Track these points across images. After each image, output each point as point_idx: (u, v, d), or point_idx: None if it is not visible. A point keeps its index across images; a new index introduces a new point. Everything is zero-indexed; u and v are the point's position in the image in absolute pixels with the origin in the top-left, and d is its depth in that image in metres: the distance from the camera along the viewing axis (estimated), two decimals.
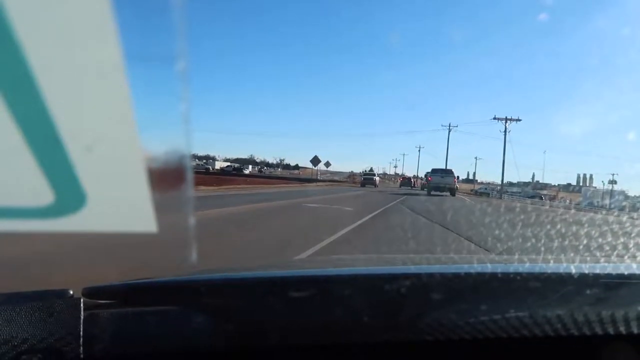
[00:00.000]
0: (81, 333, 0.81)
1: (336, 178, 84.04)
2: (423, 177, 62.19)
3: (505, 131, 45.67)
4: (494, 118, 46.99)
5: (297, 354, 0.98)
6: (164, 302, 0.93)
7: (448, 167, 43.11)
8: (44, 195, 0.53)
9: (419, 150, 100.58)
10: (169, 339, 0.89)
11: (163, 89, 0.50)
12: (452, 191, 31.49)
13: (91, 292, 0.91)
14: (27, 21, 0.43)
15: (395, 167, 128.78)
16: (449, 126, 64.02)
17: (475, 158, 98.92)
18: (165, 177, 0.58)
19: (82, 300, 0.86)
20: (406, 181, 67.08)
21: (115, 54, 0.44)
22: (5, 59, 0.44)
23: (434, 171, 34.40)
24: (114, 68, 0.45)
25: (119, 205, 0.57)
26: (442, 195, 30.43)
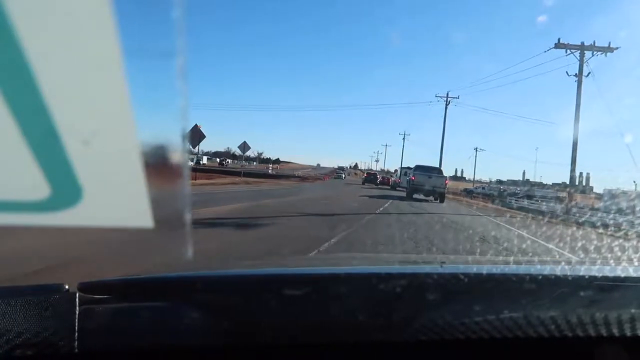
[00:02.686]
0: (76, 327, 0.81)
1: (312, 173, 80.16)
2: (395, 173, 49.75)
3: (580, 74, 21.30)
4: (557, 45, 21.70)
5: (292, 352, 0.98)
6: (160, 298, 0.93)
7: (437, 164, 35.20)
8: (41, 189, 0.53)
9: (404, 139, 77.46)
10: (163, 335, 0.89)
11: (161, 84, 0.50)
12: (441, 196, 23.93)
13: (87, 287, 0.91)
14: (25, 16, 0.43)
15: (377, 161, 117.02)
16: (447, 97, 43.16)
17: (476, 149, 78.33)
18: (162, 173, 0.58)
19: (77, 295, 0.86)
20: (371, 177, 57.19)
21: (113, 49, 0.45)
22: (3, 53, 0.44)
23: (419, 169, 25.53)
24: (112, 62, 0.45)
25: (116, 200, 0.57)
26: (427, 201, 23.03)
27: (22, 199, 0.54)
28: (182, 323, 0.89)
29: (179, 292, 0.97)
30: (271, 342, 0.94)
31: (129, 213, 0.57)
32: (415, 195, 24.60)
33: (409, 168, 35.75)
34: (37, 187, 0.53)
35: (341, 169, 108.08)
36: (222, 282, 1.06)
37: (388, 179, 56.00)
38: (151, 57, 0.49)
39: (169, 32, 0.48)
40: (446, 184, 25.61)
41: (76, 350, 0.81)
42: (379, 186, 49.06)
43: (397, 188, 38.58)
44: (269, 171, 64.52)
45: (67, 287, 0.87)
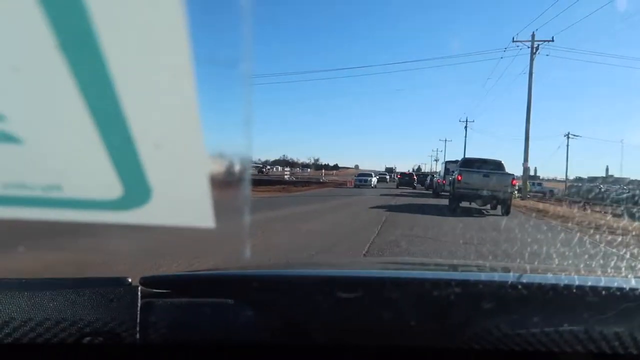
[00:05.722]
0: (138, 320, 0.86)
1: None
2: (439, 172, 35.56)
3: None
4: None
5: (341, 354, 0.99)
6: (216, 295, 0.96)
7: (513, 158, 23.18)
8: (114, 188, 0.57)
9: (466, 127, 60.40)
10: (219, 331, 0.92)
11: (227, 92, 0.52)
12: (505, 204, 15.40)
13: (148, 281, 0.96)
14: (106, 25, 0.46)
15: (436, 160, 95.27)
16: (533, 41, 27.88)
17: (567, 135, 58.92)
18: (225, 177, 0.60)
19: (139, 288, 0.90)
20: (406, 179, 45.82)
21: (185, 58, 0.47)
22: (85, 62, 0.47)
23: (469, 164, 17.44)
24: (184, 71, 0.48)
25: (182, 201, 0.59)
26: (480, 213, 15.34)
27: (97, 197, 0.57)
28: (237, 320, 0.91)
29: (235, 290, 0.99)
30: (322, 343, 0.95)
31: (194, 214, 0.60)
32: (463, 205, 16.47)
33: (453, 162, 24.95)
34: (111, 186, 0.56)
35: (389, 170, 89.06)
36: (276, 281, 1.08)
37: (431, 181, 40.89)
38: (217, 65, 0.51)
39: (235, 41, 0.50)
40: (514, 185, 16.81)
41: (138, 341, 0.86)
42: (422, 190, 39.03)
43: (441, 193, 26.84)
44: (285, 177, 61.03)
45: (130, 280, 0.92)
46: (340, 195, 25.00)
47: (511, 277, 1.22)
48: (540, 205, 20.94)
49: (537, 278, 1.28)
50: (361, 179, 42.51)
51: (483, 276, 1.34)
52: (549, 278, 1.24)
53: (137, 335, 0.86)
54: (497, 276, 1.32)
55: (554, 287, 1.01)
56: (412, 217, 12.68)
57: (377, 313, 0.96)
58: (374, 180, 43.06)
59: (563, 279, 1.23)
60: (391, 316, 0.95)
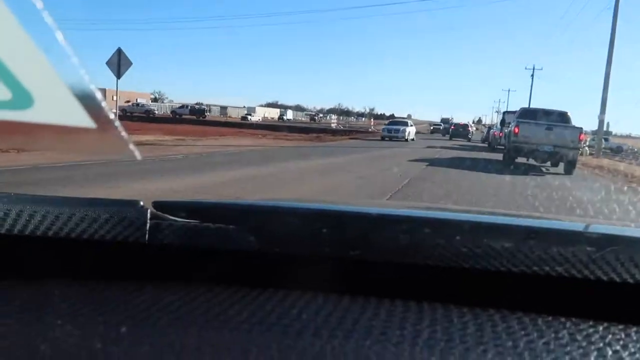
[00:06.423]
0: (147, 238, 0.96)
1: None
2: (496, 124, 32.17)
3: None
4: None
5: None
6: (221, 221, 1.01)
7: (570, 109, 19.41)
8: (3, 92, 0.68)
9: (532, 75, 57.57)
10: (220, 244, 0.99)
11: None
12: (570, 162, 13.50)
13: (159, 205, 1.04)
14: None
15: (497, 112, 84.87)
16: None
17: None
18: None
19: (149, 210, 0.99)
20: (459, 130, 41.90)
21: None
22: None
23: (528, 114, 15.36)
24: None
25: (61, 104, 0.70)
26: (539, 171, 13.70)
27: None
28: (238, 241, 0.97)
29: (239, 217, 1.05)
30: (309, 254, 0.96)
31: (72, 115, 0.70)
32: (520, 161, 14.58)
33: (512, 113, 21.50)
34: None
35: (445, 121, 72.01)
36: (274, 211, 1.14)
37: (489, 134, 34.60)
38: None
39: None
40: (581, 141, 14.26)
41: (145, 254, 0.96)
42: (477, 142, 36.11)
43: (497, 146, 23.87)
44: (332, 125, 58.12)
45: (142, 203, 1.00)
46: (374, 147, 21.81)
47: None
48: (622, 167, 17.07)
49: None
50: (390, 128, 30.86)
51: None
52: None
53: (145, 243, 0.95)
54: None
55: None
56: (449, 176, 11.04)
57: (364, 245, 0.93)
58: (410, 130, 30.57)
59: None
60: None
